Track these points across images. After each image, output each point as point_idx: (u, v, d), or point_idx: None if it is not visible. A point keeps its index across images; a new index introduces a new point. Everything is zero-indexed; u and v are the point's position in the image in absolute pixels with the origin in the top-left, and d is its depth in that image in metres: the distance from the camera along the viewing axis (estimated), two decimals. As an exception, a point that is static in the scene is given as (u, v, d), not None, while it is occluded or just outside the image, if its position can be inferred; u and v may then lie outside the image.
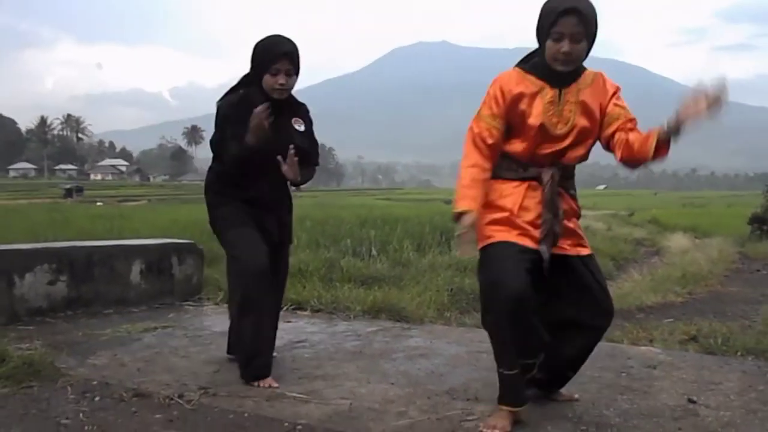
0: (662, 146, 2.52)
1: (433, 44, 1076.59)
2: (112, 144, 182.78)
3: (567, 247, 2.64)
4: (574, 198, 2.76)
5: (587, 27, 2.50)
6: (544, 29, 2.54)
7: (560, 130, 2.60)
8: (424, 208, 21.20)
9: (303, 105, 3.45)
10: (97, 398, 2.89)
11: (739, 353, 3.92)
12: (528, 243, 2.55)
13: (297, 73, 3.24)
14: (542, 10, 2.56)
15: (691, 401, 2.88)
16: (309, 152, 3.36)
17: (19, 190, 57.46)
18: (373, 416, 2.67)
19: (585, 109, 2.61)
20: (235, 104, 3.24)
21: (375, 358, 3.66)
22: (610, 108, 2.63)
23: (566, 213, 2.65)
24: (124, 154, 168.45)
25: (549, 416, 2.65)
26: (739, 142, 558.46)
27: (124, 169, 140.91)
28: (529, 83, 2.62)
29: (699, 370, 3.42)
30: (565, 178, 2.70)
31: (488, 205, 2.62)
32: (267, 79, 3.20)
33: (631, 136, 2.57)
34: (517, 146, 2.65)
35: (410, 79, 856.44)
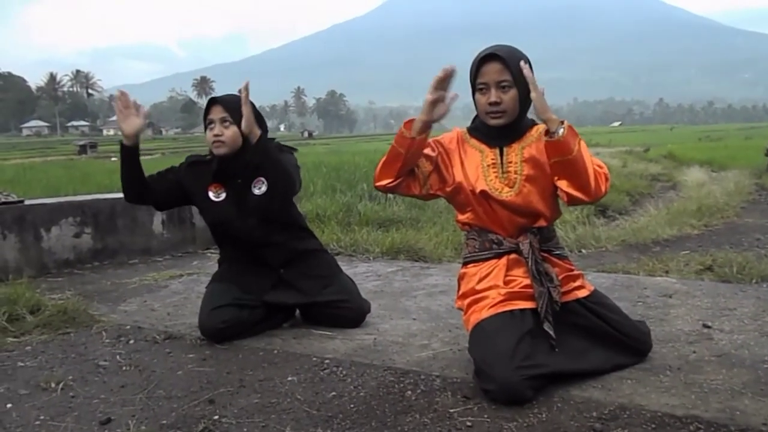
0: (550, 142, 2.27)
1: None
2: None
3: (564, 294, 2.39)
4: (562, 258, 2.52)
5: (515, 73, 2.30)
6: (471, 86, 2.40)
7: (506, 194, 2.39)
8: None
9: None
10: (131, 341, 3.02)
11: (754, 280, 3.98)
12: (523, 305, 2.32)
13: (239, 124, 2.81)
14: (469, 68, 2.40)
15: (705, 326, 2.95)
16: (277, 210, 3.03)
17: (34, 149, 57.76)
18: (397, 349, 2.77)
19: (534, 165, 2.39)
20: (186, 164, 3.11)
21: (396, 296, 3.76)
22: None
23: (559, 276, 2.40)
24: (146, 118, 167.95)
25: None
26: (756, 72, 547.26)
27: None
28: (468, 145, 2.48)
29: (714, 297, 3.48)
30: (546, 241, 2.47)
31: (470, 292, 2.44)
32: (207, 136, 2.96)
33: None
34: (469, 216, 2.49)
35: (418, 21, 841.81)
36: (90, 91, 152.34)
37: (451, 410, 2.12)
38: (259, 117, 2.88)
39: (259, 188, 3.00)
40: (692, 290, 3.65)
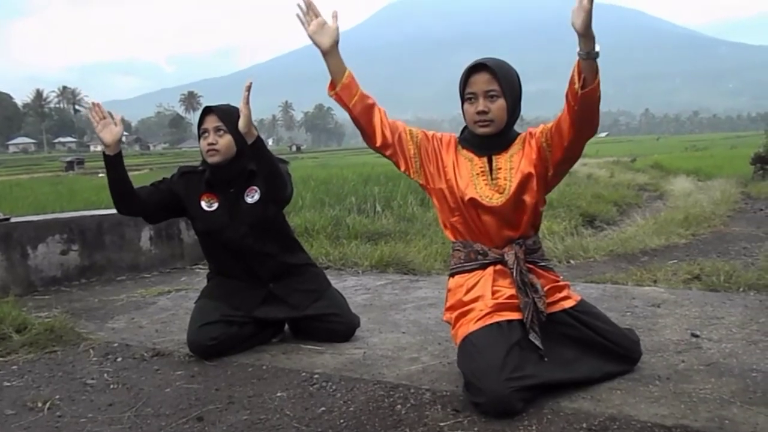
0: (585, 71, 2.16)
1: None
2: (110, 114, 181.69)
3: (550, 305, 2.40)
4: (547, 269, 2.53)
5: (503, 83, 2.35)
6: (461, 96, 2.44)
7: (496, 200, 2.41)
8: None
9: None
10: (119, 359, 3.00)
11: (741, 289, 3.99)
12: (510, 316, 2.33)
13: (234, 133, 2.85)
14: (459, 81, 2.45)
15: (694, 335, 2.96)
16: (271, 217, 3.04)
17: (20, 165, 57.42)
18: (387, 362, 2.77)
19: (523, 172, 2.41)
20: (178, 174, 3.11)
21: (385, 309, 3.75)
22: (545, 136, 2.39)
23: (544, 287, 2.40)
24: (123, 124, 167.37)
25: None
26: (740, 82, 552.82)
27: (123, 138, 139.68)
28: (459, 155, 2.51)
29: (702, 306, 3.50)
30: (531, 252, 2.48)
31: (458, 304, 2.45)
32: (201, 145, 2.98)
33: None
34: (457, 222, 2.50)
35: (404, 35, 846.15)
36: (77, 107, 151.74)
37: (442, 424, 2.12)
38: None
39: (252, 197, 3.01)
40: (680, 299, 3.67)
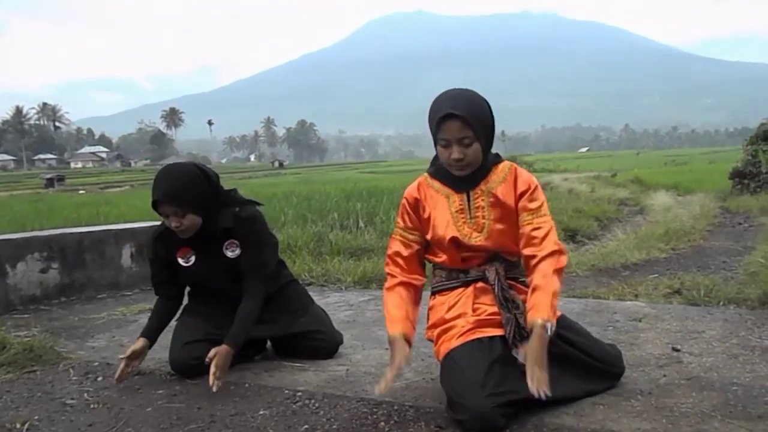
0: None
1: (409, 14, 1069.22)
2: (90, 131, 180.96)
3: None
4: (524, 284, 2.49)
5: (475, 128, 2.31)
6: (433, 138, 2.40)
7: (475, 239, 2.43)
8: (408, 178, 21.15)
9: (238, 221, 2.92)
10: (99, 378, 2.96)
11: (721, 303, 4.03)
12: (492, 332, 2.33)
13: (194, 209, 2.79)
14: (429, 112, 2.41)
15: (675, 350, 2.98)
16: (247, 270, 2.95)
17: None
18: (370, 379, 2.75)
19: (499, 207, 2.42)
20: (153, 242, 3.02)
21: (368, 325, 3.74)
22: (520, 210, 2.41)
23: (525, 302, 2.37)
24: (104, 141, 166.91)
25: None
26: (718, 97, 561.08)
27: (104, 155, 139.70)
28: (433, 191, 2.50)
29: (683, 320, 3.53)
30: (512, 269, 2.49)
31: (439, 321, 2.46)
32: (166, 221, 2.87)
33: (533, 275, 2.33)
34: (442, 258, 2.52)
35: (388, 50, 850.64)
36: (57, 123, 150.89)
37: (425, 441, 2.11)
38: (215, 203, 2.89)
39: (233, 251, 2.95)
40: (661, 314, 3.70)
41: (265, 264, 2.98)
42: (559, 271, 2.31)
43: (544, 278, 2.28)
